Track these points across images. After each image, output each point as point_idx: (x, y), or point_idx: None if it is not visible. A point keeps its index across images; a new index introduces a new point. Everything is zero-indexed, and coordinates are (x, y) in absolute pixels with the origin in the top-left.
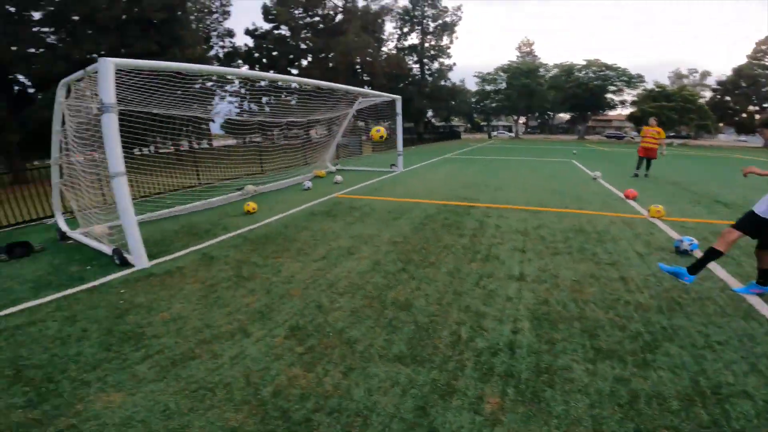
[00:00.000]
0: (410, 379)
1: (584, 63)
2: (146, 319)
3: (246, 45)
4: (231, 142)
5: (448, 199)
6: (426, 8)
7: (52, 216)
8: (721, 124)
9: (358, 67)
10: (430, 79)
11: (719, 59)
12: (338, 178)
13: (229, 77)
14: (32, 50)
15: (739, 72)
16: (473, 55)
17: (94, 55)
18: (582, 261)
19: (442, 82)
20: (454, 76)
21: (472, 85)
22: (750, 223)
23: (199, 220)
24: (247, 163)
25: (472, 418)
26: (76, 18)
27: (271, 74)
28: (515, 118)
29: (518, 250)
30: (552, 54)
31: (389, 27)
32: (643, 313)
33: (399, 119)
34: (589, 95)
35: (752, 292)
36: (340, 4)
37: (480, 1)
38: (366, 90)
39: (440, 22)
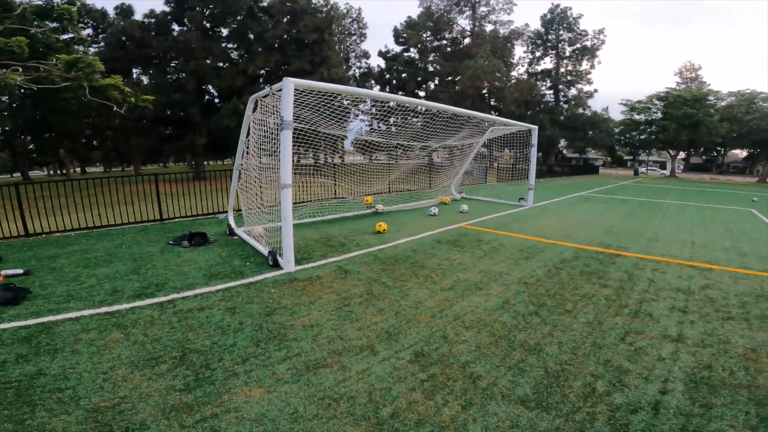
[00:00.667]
0: (531, 424)
1: None
2: (290, 321)
3: (378, 66)
4: (359, 158)
5: (588, 243)
6: (561, 32)
7: (224, 212)
8: None
9: (485, 91)
10: (565, 106)
11: None
12: (464, 207)
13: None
14: (221, 64)
15: None
16: (618, 82)
17: (262, 71)
18: (762, 330)
19: (580, 110)
20: (596, 104)
21: (616, 115)
22: None
23: (335, 233)
24: (375, 180)
25: None
26: (251, 36)
27: (415, 100)
28: (672, 153)
29: (678, 309)
30: (724, 81)
31: (519, 51)
32: None
33: (533, 150)
34: None
35: None
36: (468, 28)
37: (631, 23)
38: (502, 119)
39: (578, 46)
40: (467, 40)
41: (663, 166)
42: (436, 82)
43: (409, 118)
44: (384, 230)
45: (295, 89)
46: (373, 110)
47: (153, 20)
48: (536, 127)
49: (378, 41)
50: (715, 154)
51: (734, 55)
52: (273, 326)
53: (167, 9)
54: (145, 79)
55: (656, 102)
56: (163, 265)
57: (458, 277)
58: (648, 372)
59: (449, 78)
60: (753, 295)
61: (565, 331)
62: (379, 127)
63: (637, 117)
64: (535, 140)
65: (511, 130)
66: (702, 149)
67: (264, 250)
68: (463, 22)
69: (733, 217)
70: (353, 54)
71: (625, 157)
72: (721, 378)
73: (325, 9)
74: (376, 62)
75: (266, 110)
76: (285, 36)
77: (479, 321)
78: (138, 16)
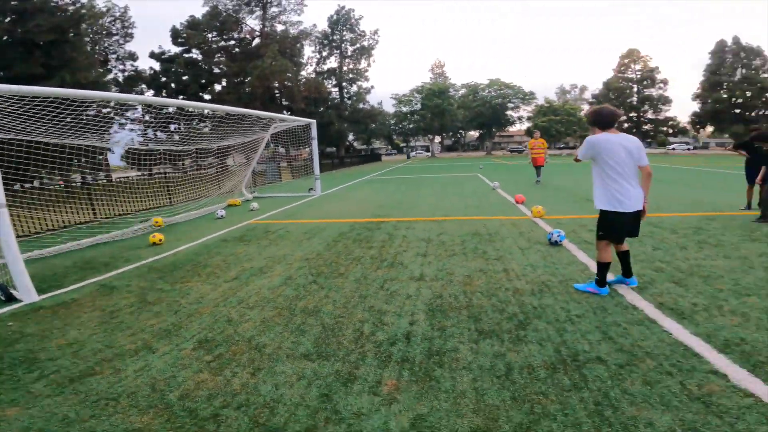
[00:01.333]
0: (315, 372)
1: (487, 82)
2: (39, 346)
3: (151, 68)
4: (133, 173)
5: (362, 217)
6: (345, 32)
7: None
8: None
9: (276, 91)
10: (349, 102)
11: (596, 74)
12: (254, 205)
13: (131, 103)
14: None
15: (607, 85)
16: (391, 78)
17: None
18: (474, 259)
19: (361, 105)
20: (373, 99)
21: (390, 108)
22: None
23: (96, 255)
24: (153, 195)
25: (371, 400)
26: None
27: (175, 101)
28: (431, 137)
29: (420, 255)
30: (461, 74)
31: (308, 51)
32: (519, 297)
33: (314, 143)
34: (492, 113)
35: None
36: (257, 28)
37: (397, 24)
38: (278, 114)
39: (358, 45)
40: (257, 41)
41: (428, 149)
42: (224, 83)
43: (195, 123)
44: (160, 242)
45: None
46: (147, 117)
47: None
48: (313, 121)
49: (151, 42)
50: (459, 136)
51: (468, 52)
52: (18, 354)
53: None
54: None
55: (416, 95)
56: None
57: (243, 267)
58: (400, 309)
59: (238, 79)
60: (470, 234)
61: (338, 290)
62: (156, 135)
63: (404, 109)
64: (314, 133)
65: (290, 125)
66: (450, 133)
67: None
68: (253, 22)
69: (465, 182)
70: (114, 56)
71: (401, 145)
72: (449, 304)
73: (71, 8)
74: (149, 64)
75: None
76: (5, 37)
77: (263, 299)
78: None
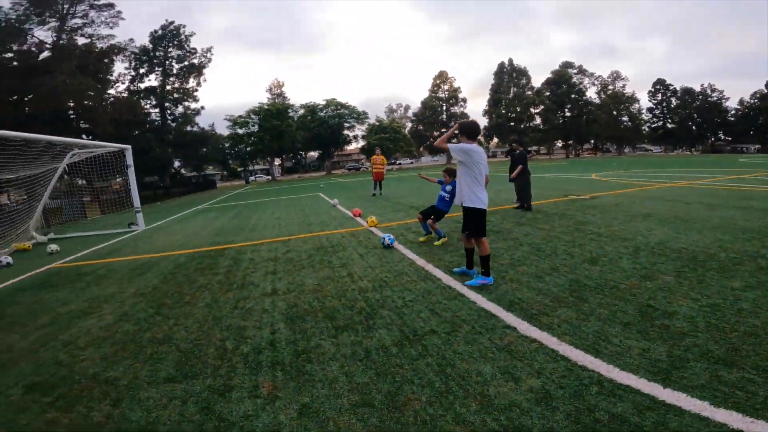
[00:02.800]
0: (186, 391)
1: (324, 102)
2: None
3: None
4: None
5: (200, 247)
6: (171, 49)
7: None
8: (421, 149)
9: (71, 112)
10: (173, 124)
11: (417, 93)
12: (53, 247)
13: None
14: None
15: (425, 104)
16: (225, 98)
17: None
18: (321, 269)
19: (189, 128)
20: (203, 121)
21: (223, 130)
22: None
23: None
24: None
25: (254, 402)
26: None
27: None
28: (270, 160)
29: (270, 272)
30: (300, 94)
31: (120, 67)
32: (364, 294)
33: (131, 171)
34: (330, 133)
35: (479, 282)
36: (48, 41)
37: (235, 44)
38: (79, 140)
39: (186, 63)
40: (45, 54)
41: (268, 172)
42: None
43: None
44: None
45: None
46: None
47: None
48: (129, 147)
49: None
50: (300, 157)
51: (306, 73)
52: None
53: None
54: None
55: (253, 116)
56: None
57: (58, 312)
58: (259, 322)
59: (14, 97)
60: (315, 249)
61: (187, 317)
62: None
63: (240, 131)
64: (130, 160)
65: (95, 152)
66: (290, 154)
67: None
68: (43, 34)
69: (307, 201)
70: None
71: (239, 169)
72: (305, 310)
73: None
74: None
75: None
76: None
77: (96, 339)
78: None
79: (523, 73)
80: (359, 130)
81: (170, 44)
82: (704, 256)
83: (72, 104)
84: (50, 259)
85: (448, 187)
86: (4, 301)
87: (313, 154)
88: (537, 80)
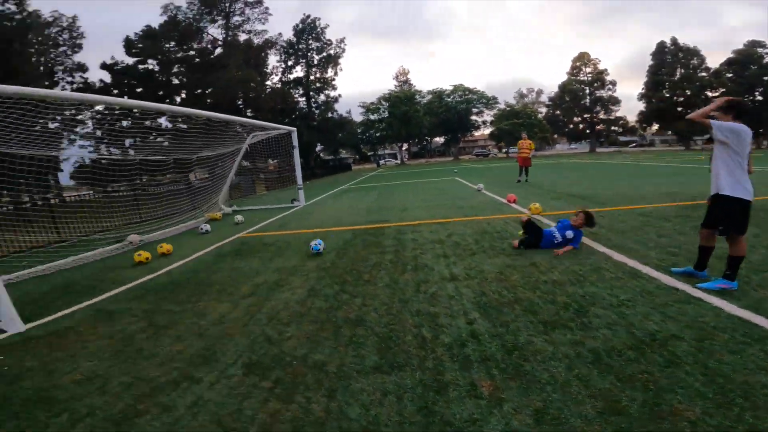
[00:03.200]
0: (398, 385)
1: (451, 88)
2: (49, 382)
3: (101, 81)
4: (86, 192)
5: (359, 224)
6: (310, 41)
7: None
8: (555, 136)
9: (240, 102)
10: (317, 111)
11: (551, 77)
12: (239, 218)
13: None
14: None
15: (562, 87)
16: (356, 87)
17: None
18: (495, 256)
19: (329, 114)
20: (340, 108)
21: (357, 116)
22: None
23: (75, 277)
24: (119, 213)
25: (477, 404)
26: None
27: (159, 105)
28: (399, 145)
29: (440, 255)
30: (424, 81)
31: (273, 60)
32: (561, 287)
33: (296, 152)
34: (458, 118)
35: (719, 287)
36: (220, 38)
37: (362, 34)
38: (260, 122)
39: (324, 54)
40: (219, 50)
41: (395, 156)
42: (183, 95)
43: (151, 137)
44: (147, 260)
45: None
46: (98, 133)
47: None
48: (294, 129)
49: (103, 54)
50: (425, 143)
51: (430, 60)
52: (28, 392)
53: None
54: None
55: (383, 103)
56: None
57: (255, 281)
58: (449, 310)
59: (199, 90)
60: (479, 233)
61: (373, 298)
62: (110, 152)
63: (372, 117)
64: (295, 141)
65: (270, 133)
66: (416, 139)
67: None
68: (215, 32)
69: (446, 185)
70: (61, 68)
71: (368, 153)
72: (496, 300)
73: (17, 17)
74: (99, 76)
75: None
76: None
77: (295, 314)
78: None
79: (693, 53)
80: (488, 116)
81: (309, 36)
82: None
83: (241, 95)
84: (237, 228)
85: (570, 233)
86: (210, 267)
87: (439, 139)
88: (711, 62)
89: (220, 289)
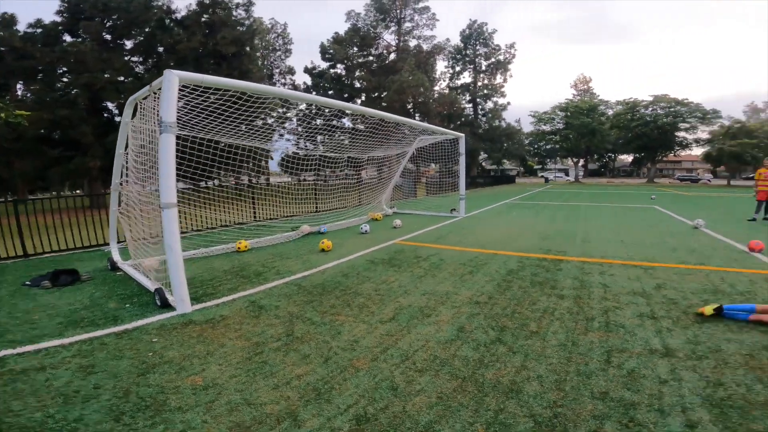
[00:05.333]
0: None
1: (651, 99)
2: (174, 382)
3: (304, 83)
4: (286, 179)
5: (527, 251)
6: (478, 47)
7: (107, 244)
8: None
9: (410, 106)
10: (483, 119)
11: None
12: (397, 222)
13: (288, 115)
14: (122, 78)
15: None
16: (526, 95)
17: None
18: (742, 331)
19: (496, 123)
20: (509, 116)
21: (526, 126)
22: None
23: (250, 261)
24: (302, 202)
25: None
26: (161, 49)
27: (335, 102)
28: (574, 160)
29: (646, 316)
30: (611, 91)
31: (441, 66)
32: None
33: (462, 159)
34: (658, 134)
35: None
36: (393, 43)
37: (535, 40)
38: (429, 125)
39: (493, 60)
40: (392, 56)
41: (567, 173)
42: (363, 98)
43: (336, 135)
44: (329, 248)
45: (183, 86)
46: (299, 129)
47: (40, 29)
48: (463, 135)
49: (303, 57)
50: (607, 160)
51: (617, 67)
52: (147, 390)
53: (58, 19)
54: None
55: (559, 113)
56: (6, 313)
57: (400, 303)
58: (658, 402)
59: (375, 94)
60: (707, 291)
61: (539, 359)
62: (306, 146)
63: (543, 127)
64: (462, 148)
65: (437, 138)
66: (597, 156)
67: (152, 287)
68: (389, 38)
69: (643, 215)
70: (278, 70)
71: (535, 167)
72: (740, 396)
73: (246, 22)
74: (302, 79)
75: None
76: (200, 49)
77: (434, 359)
78: (22, 26)
79: None
80: (702, 132)
81: (477, 42)
82: None
83: (411, 99)
84: (394, 233)
85: None
86: (360, 274)
87: (625, 157)
88: None
89: (363, 305)
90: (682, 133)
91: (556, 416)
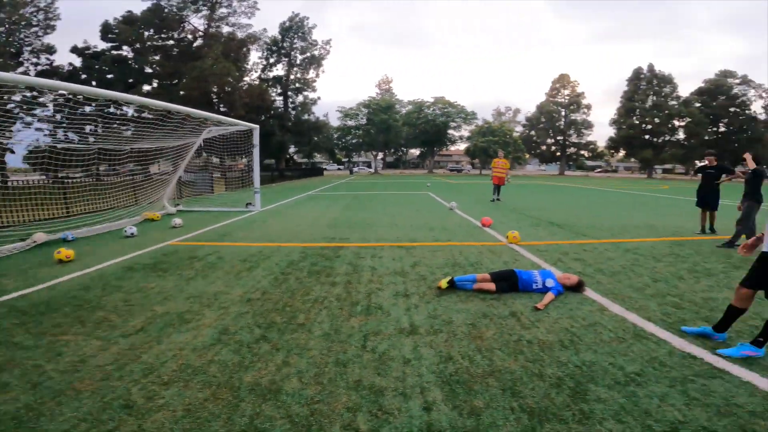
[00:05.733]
0: None
1: (432, 100)
2: None
3: (71, 64)
4: (36, 177)
5: (314, 240)
6: (296, 40)
7: None
8: (527, 156)
9: (214, 96)
10: (293, 112)
11: (530, 97)
12: (177, 221)
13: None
14: None
15: (540, 108)
16: (336, 91)
17: None
18: (469, 300)
19: (306, 116)
20: (318, 111)
21: (334, 121)
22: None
23: None
24: (47, 204)
25: None
26: None
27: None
28: (374, 153)
29: (401, 294)
30: (406, 91)
31: (254, 56)
32: (549, 351)
33: (256, 151)
34: (436, 131)
35: (743, 354)
36: (201, 28)
37: (350, 37)
38: (214, 115)
39: (308, 54)
40: (198, 41)
41: (369, 165)
42: (155, 84)
43: (116, 126)
44: (68, 257)
45: None
46: (58, 117)
47: None
48: (257, 126)
49: (76, 38)
50: (401, 153)
51: (415, 70)
52: None
53: None
54: None
55: (363, 109)
56: None
57: (154, 312)
58: (402, 384)
59: (174, 81)
60: (449, 264)
61: (302, 353)
62: (66, 137)
63: (349, 123)
64: (256, 140)
65: (228, 129)
66: (393, 149)
67: None
68: (197, 22)
69: (418, 200)
70: (29, 48)
71: (343, 159)
72: (465, 370)
73: None
74: (69, 59)
75: None
76: None
77: (186, 368)
78: None
79: (666, 80)
80: (465, 131)
81: (295, 35)
82: None
83: (215, 88)
84: (171, 233)
85: (551, 282)
86: (109, 284)
87: (414, 151)
88: (684, 90)
89: (103, 319)
90: (452, 131)
91: (313, 413)
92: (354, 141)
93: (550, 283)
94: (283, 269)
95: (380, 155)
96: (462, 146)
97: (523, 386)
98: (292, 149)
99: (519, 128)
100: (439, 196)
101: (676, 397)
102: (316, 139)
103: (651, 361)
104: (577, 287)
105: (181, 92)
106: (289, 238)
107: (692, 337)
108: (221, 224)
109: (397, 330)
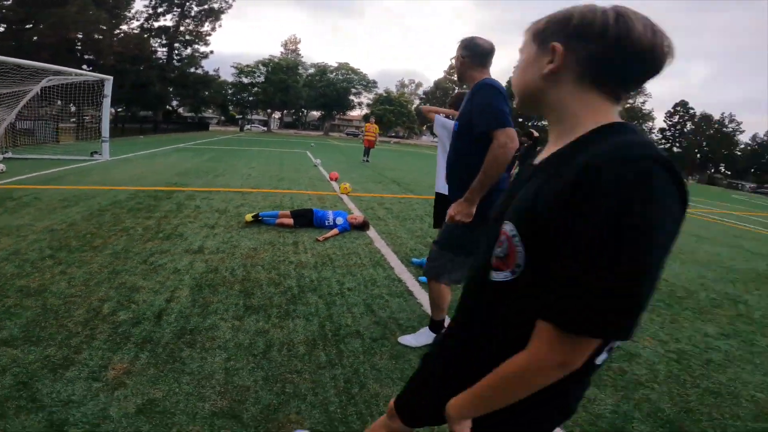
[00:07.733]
0: (15, 360)
1: (336, 65)
2: None
3: None
4: None
5: (154, 185)
6: None
7: None
8: (423, 128)
9: (78, 43)
10: (178, 64)
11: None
12: (0, 166)
13: None
14: None
15: (437, 84)
16: (240, 46)
17: None
18: (268, 231)
19: (192, 69)
20: (210, 65)
21: (228, 76)
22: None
23: None
24: None
25: (88, 386)
26: None
27: None
28: (270, 112)
29: (208, 226)
30: (317, 54)
31: (139, 5)
32: (300, 270)
33: (107, 101)
34: (336, 95)
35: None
36: None
37: None
38: (54, 66)
39: (206, 7)
40: None
41: (265, 123)
42: (2, 28)
43: None
44: None
45: None
46: None
47: None
48: (110, 78)
49: None
50: (301, 114)
51: (332, 36)
52: None
53: None
54: None
55: (261, 67)
56: None
57: None
58: (160, 285)
59: (28, 26)
60: (272, 206)
61: (81, 266)
62: None
63: (245, 80)
64: (108, 91)
65: (76, 79)
66: (292, 110)
67: None
68: None
69: (292, 157)
70: None
71: (237, 116)
72: (222, 278)
73: None
74: None
75: None
76: None
77: None
78: None
79: None
80: (366, 98)
81: None
82: (683, 293)
83: (80, 36)
84: None
85: (340, 219)
86: None
87: (315, 113)
88: None
89: None
90: (352, 97)
91: (66, 303)
92: (251, 99)
93: (339, 221)
94: (103, 207)
95: (278, 114)
96: (362, 112)
97: (259, 291)
98: (175, 102)
99: (417, 101)
100: (315, 155)
101: (360, 308)
102: (206, 93)
103: (369, 281)
104: (362, 226)
105: (35, 38)
106: (127, 183)
107: (416, 267)
108: (54, 170)
109: (184, 250)
